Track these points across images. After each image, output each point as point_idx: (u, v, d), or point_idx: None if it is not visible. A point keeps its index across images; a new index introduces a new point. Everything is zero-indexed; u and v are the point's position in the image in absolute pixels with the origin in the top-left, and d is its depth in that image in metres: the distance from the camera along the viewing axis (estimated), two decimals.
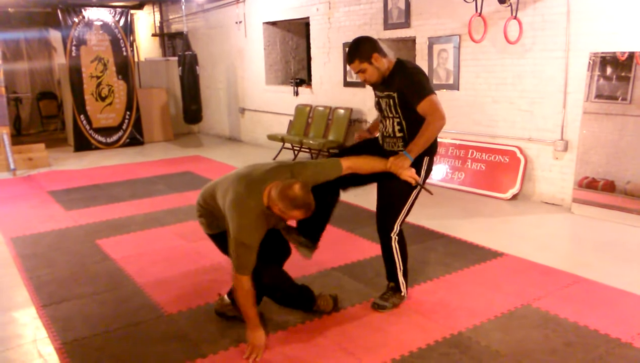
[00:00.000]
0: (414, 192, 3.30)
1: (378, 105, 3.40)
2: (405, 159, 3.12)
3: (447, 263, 4.23)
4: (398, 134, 3.29)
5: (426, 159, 3.31)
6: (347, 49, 3.29)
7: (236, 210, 2.83)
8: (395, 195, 3.31)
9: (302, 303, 3.40)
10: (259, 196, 2.84)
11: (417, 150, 3.14)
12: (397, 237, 3.37)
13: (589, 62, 5.26)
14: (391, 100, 3.26)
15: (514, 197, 5.98)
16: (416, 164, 3.19)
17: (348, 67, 7.97)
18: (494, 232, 4.94)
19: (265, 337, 3.01)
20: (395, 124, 3.29)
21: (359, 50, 3.22)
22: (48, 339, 3.25)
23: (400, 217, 3.34)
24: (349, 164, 3.13)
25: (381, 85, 3.31)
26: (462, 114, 6.61)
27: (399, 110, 3.24)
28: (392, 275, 3.47)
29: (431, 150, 3.30)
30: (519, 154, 5.99)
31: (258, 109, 10.15)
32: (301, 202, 2.75)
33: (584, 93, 5.33)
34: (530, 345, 3.02)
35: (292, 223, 3.27)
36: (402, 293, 3.50)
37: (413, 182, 3.17)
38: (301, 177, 2.93)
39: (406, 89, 3.17)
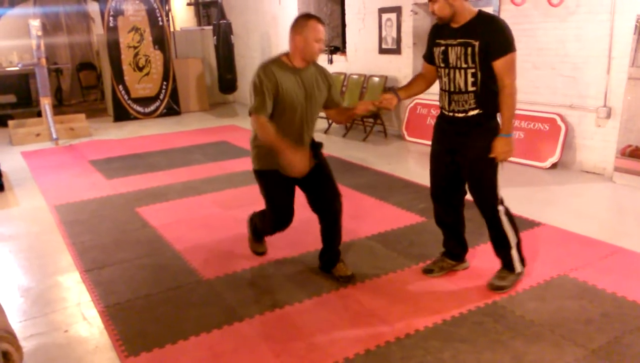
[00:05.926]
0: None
1: (444, 55, 3.09)
2: (506, 142, 3.06)
3: (483, 232, 4.16)
4: (471, 88, 3.03)
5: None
6: None
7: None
8: (480, 167, 3.21)
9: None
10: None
11: (509, 125, 3.04)
12: (503, 208, 3.23)
13: (636, 25, 5.03)
14: (469, 49, 2.98)
15: (553, 166, 5.85)
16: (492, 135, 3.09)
17: (384, 33, 7.88)
18: (531, 202, 4.85)
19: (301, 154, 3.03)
20: (469, 76, 3.02)
21: None
22: (91, 302, 3.38)
23: (497, 186, 3.23)
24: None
25: (455, 31, 3.03)
26: None
27: (477, 61, 2.98)
28: (503, 252, 3.31)
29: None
30: (559, 122, 5.82)
31: None
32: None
33: (630, 58, 5.12)
34: (566, 314, 2.99)
35: None
36: (518, 272, 3.31)
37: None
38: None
39: (492, 39, 2.94)
